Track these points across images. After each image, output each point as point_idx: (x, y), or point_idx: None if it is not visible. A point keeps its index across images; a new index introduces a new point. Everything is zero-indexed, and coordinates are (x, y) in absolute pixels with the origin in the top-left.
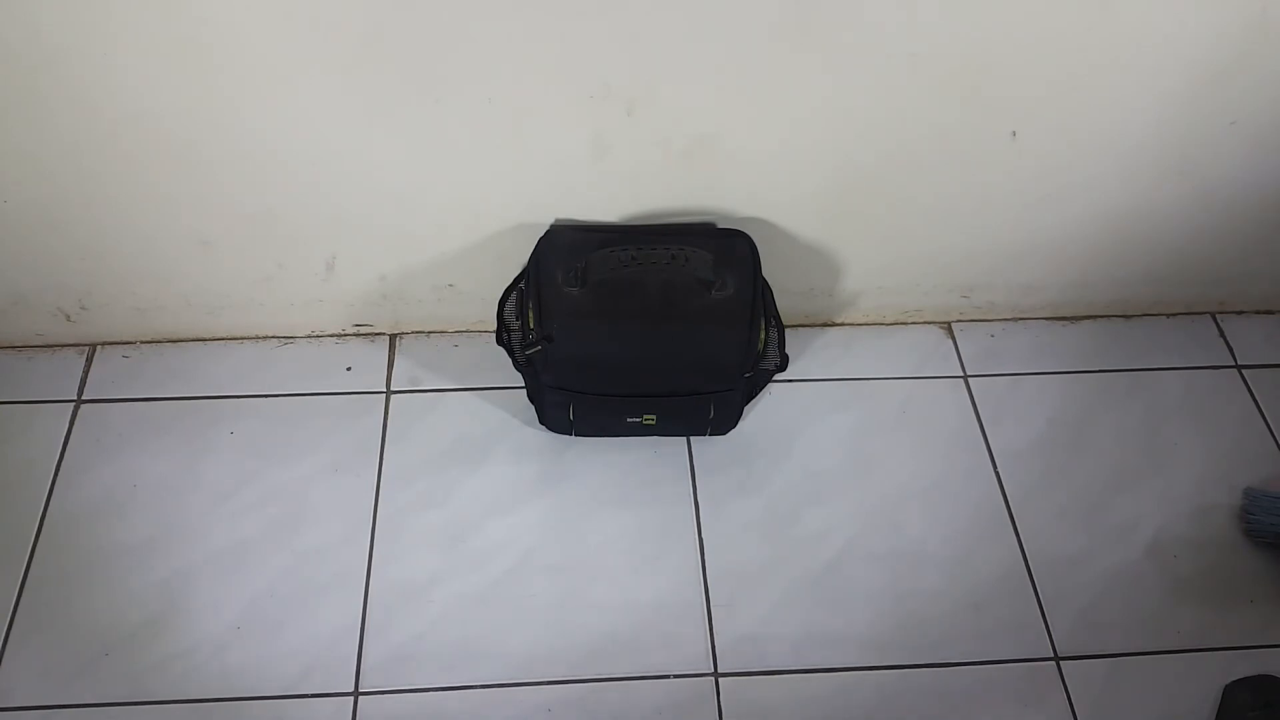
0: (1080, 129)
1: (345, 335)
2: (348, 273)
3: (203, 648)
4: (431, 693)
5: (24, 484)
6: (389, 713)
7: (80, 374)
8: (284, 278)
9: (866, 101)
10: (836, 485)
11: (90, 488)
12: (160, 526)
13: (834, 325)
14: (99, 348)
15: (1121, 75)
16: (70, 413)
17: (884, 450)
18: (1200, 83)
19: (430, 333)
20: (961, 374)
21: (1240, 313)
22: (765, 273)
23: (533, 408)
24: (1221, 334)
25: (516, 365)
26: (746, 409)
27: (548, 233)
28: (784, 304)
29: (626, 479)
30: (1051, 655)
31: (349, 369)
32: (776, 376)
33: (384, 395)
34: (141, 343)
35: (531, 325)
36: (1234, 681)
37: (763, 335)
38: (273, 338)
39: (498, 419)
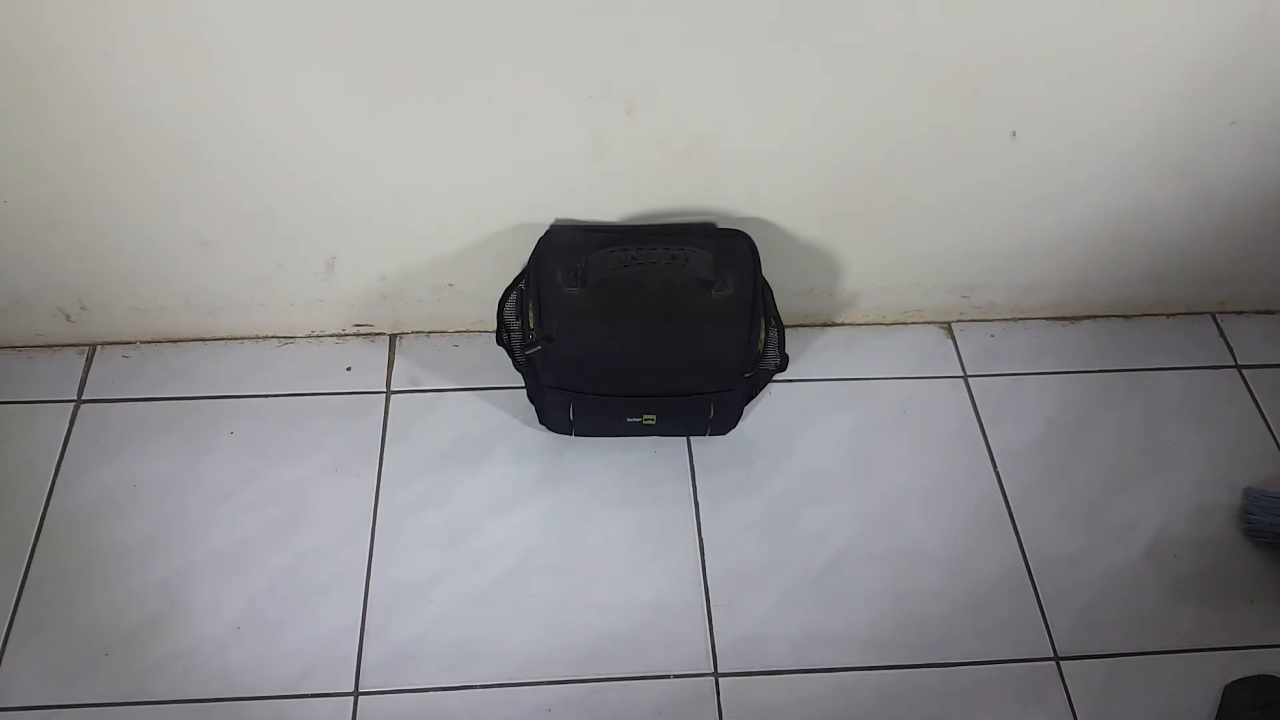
0: (1080, 129)
1: (345, 335)
2: (348, 273)
3: (203, 648)
4: (431, 693)
5: (24, 484)
6: (389, 713)
7: (80, 374)
8: (284, 278)
9: (866, 101)
10: (836, 485)
11: (90, 488)
12: (160, 526)
13: (834, 325)
14: (99, 348)
15: (1121, 75)
16: (70, 413)
17: (884, 450)
18: (1200, 83)
19: (430, 333)
20: (961, 374)
21: (1240, 313)
22: (765, 273)
23: (533, 408)
24: (1221, 334)
25: (516, 365)
26: (746, 409)
27: (548, 233)
28: (784, 304)
29: (626, 479)
30: (1051, 655)
31: (349, 369)
32: (776, 376)
33: (384, 395)
34: (141, 343)
35: (531, 325)
36: (1234, 681)
37: (763, 335)
38: (273, 338)
39: (498, 419)
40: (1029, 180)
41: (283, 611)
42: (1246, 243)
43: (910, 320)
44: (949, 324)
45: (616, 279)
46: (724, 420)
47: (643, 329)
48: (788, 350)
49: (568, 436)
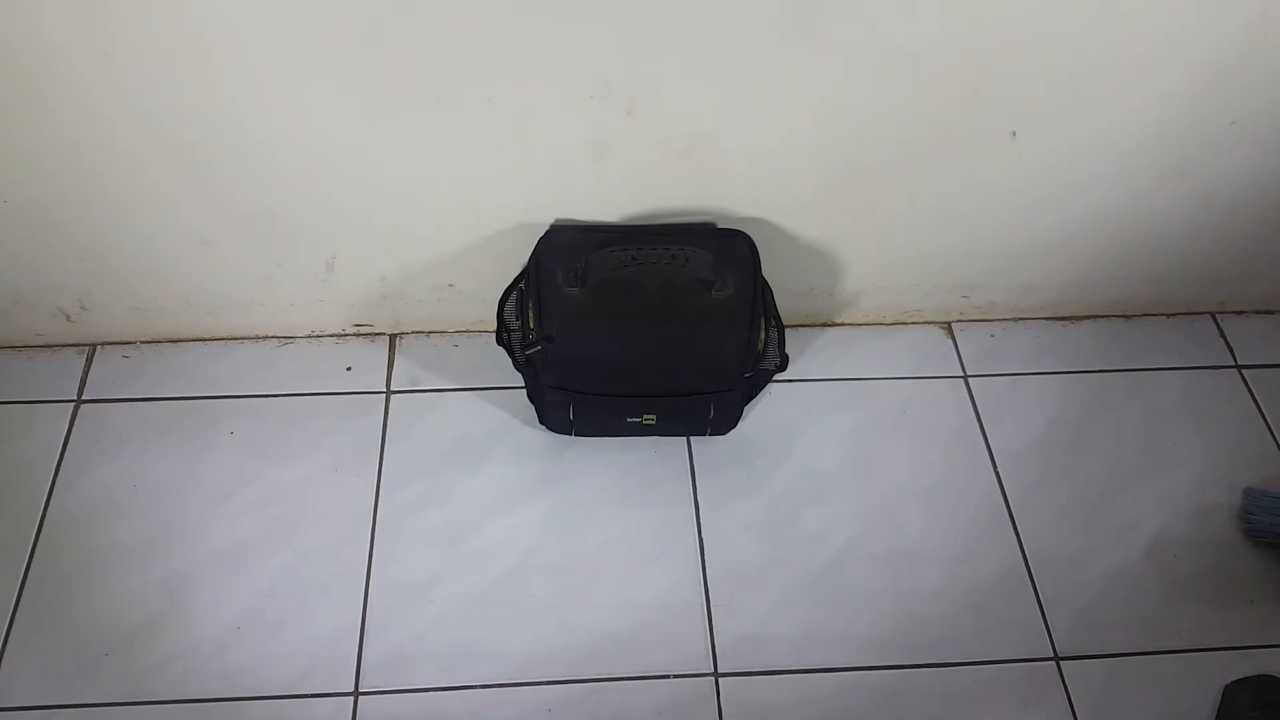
0: (1080, 129)
1: (345, 335)
2: (348, 273)
3: (203, 648)
4: (431, 693)
5: (24, 484)
6: (389, 713)
7: (80, 374)
8: (284, 278)
9: (866, 101)
10: (836, 485)
11: (90, 488)
12: (160, 526)
13: (834, 325)
14: (99, 348)
15: (1121, 75)
16: (70, 413)
17: (884, 450)
18: (1200, 83)
19: (430, 333)
20: (961, 374)
21: (1240, 313)
22: (765, 273)
23: (533, 408)
24: (1221, 334)
25: (516, 365)
26: (746, 409)
27: (548, 233)
28: (784, 304)
29: (626, 479)
30: (1051, 655)
31: (349, 369)
32: (776, 376)
33: (384, 395)
34: (141, 343)
35: (531, 325)
36: (1234, 681)
37: (763, 335)
38: (273, 338)
39: (498, 419)
40: (1029, 180)
41: (283, 611)
42: (1246, 243)
43: (910, 320)
44: (949, 324)
45: (616, 279)
46: (724, 420)
47: (643, 329)
48: (788, 350)
49: (568, 436)
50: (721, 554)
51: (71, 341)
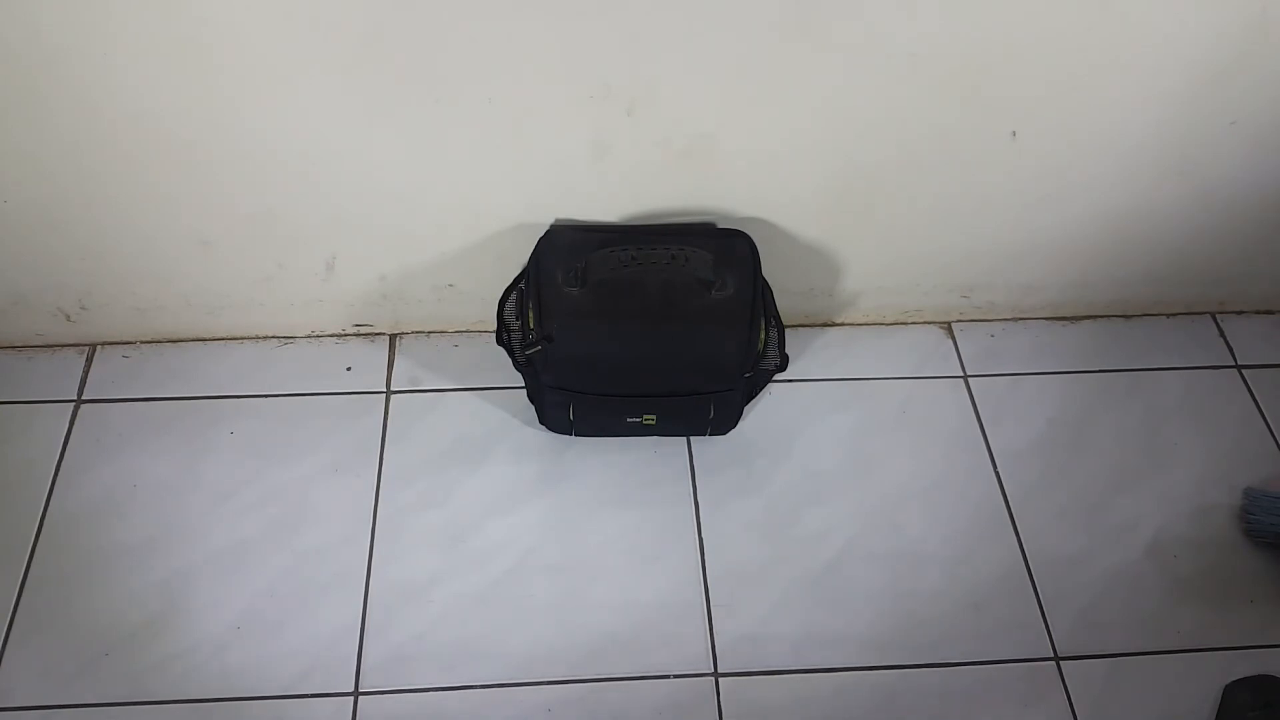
0: (1080, 129)
1: (345, 335)
2: (348, 273)
3: (203, 648)
4: (431, 693)
5: (24, 484)
6: (389, 713)
7: (80, 374)
8: (284, 278)
9: (866, 101)
10: (836, 485)
11: (90, 488)
12: (160, 526)
13: (834, 325)
14: (99, 348)
15: (1121, 75)
16: (70, 413)
17: (884, 450)
18: (1200, 83)
19: (430, 333)
20: (961, 374)
21: (1240, 313)
22: (765, 273)
23: (533, 408)
24: (1221, 334)
25: (516, 365)
26: (746, 409)
27: (548, 233)
28: (784, 304)
29: (626, 479)
30: (1051, 655)
31: (349, 369)
32: (776, 376)
33: (384, 395)
34: (141, 343)
35: (531, 325)
36: (1234, 681)
37: (763, 335)
38: (273, 338)
39: (498, 419)
40: (1029, 180)
41: (283, 611)
42: (1246, 243)
43: (910, 320)
44: (949, 324)
45: (616, 279)
46: (724, 420)
47: (643, 329)
48: (788, 350)
49: (568, 436)
50: (721, 554)
51: (71, 341)
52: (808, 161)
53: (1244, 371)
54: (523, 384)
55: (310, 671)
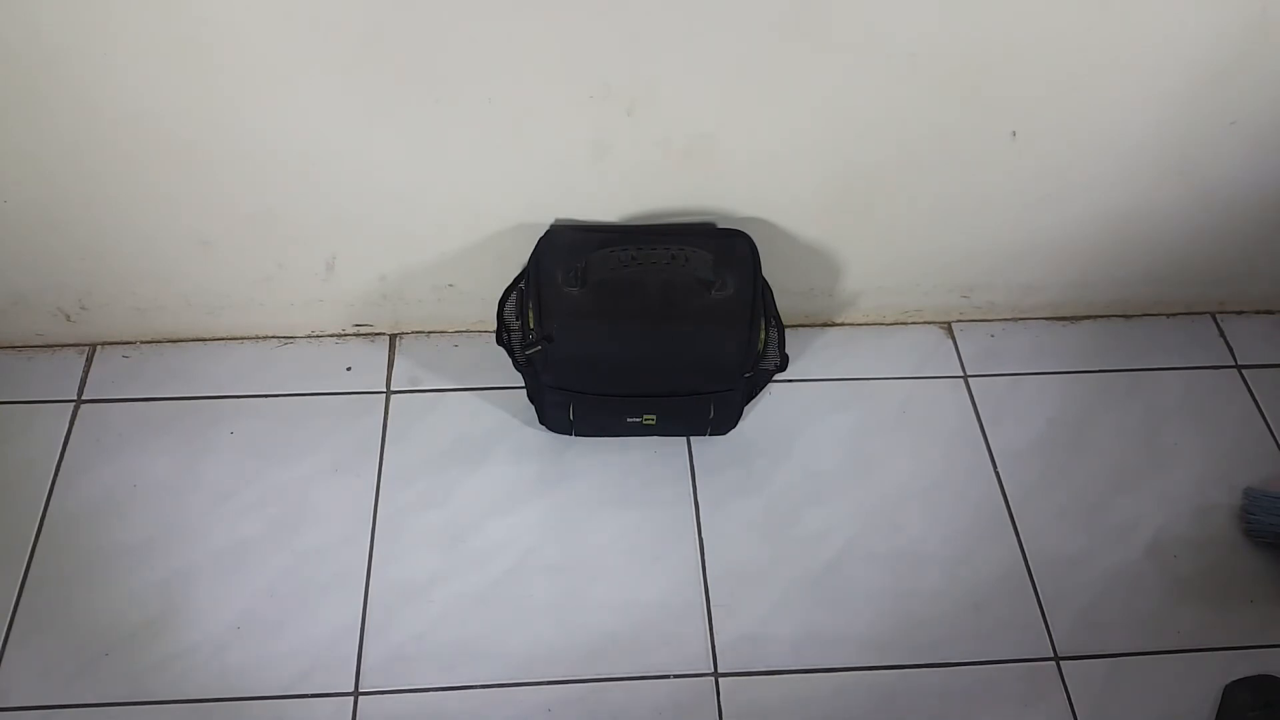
0: (1080, 129)
1: (345, 335)
2: (348, 273)
3: (203, 648)
4: (431, 693)
5: (24, 484)
6: (389, 713)
7: (80, 374)
8: (284, 278)
9: (866, 101)
10: (836, 485)
11: (90, 488)
12: (160, 526)
13: (834, 325)
14: (99, 348)
15: (1121, 75)
16: (70, 413)
17: (884, 450)
18: (1200, 83)
19: (430, 333)
20: (961, 374)
21: (1240, 313)
22: (765, 273)
23: (533, 408)
24: (1221, 334)
25: (516, 365)
26: (746, 409)
27: (548, 233)
28: (784, 304)
29: (626, 479)
30: (1051, 655)
31: (349, 369)
32: (776, 376)
33: (384, 395)
34: (141, 343)
35: (531, 325)
36: (1234, 681)
37: (763, 335)
38: (273, 338)
39: (498, 419)
40: (1029, 180)
41: (283, 611)
42: (1246, 243)
43: (910, 320)
44: (949, 324)
45: (616, 279)
46: (724, 420)
47: (643, 329)
48: (788, 350)
49: (568, 436)
50: (721, 554)
51: (71, 341)
52: (808, 161)
53: (1244, 371)
54: (523, 384)
55: (310, 671)
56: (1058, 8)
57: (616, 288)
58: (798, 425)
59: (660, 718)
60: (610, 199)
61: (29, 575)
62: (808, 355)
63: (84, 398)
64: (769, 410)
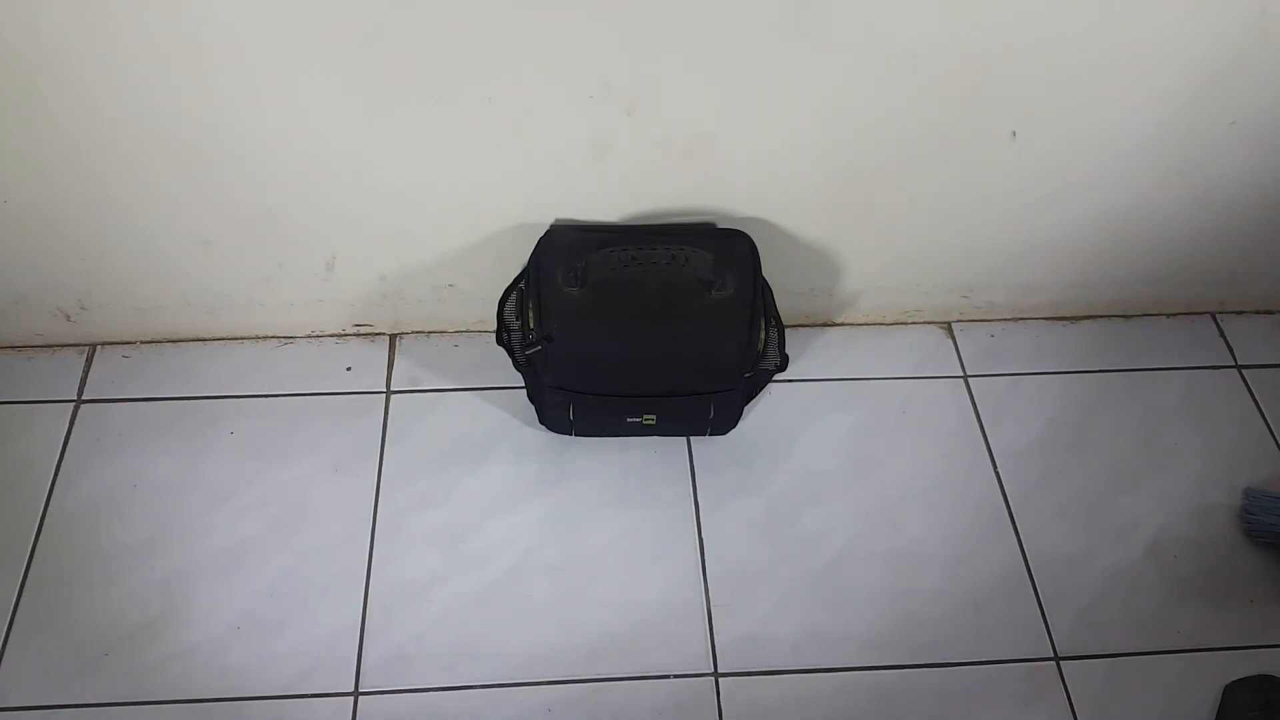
0: (1080, 129)
1: (345, 335)
2: (348, 273)
3: (203, 648)
4: (431, 693)
5: (24, 484)
6: (389, 713)
7: (80, 374)
8: (284, 278)
9: (866, 101)
10: (836, 485)
11: (90, 488)
12: (160, 526)
13: (834, 325)
14: (99, 348)
15: (1121, 75)
16: (70, 413)
17: (884, 450)
18: (1200, 83)
19: (430, 333)
20: (961, 374)
21: (1240, 313)
22: (765, 273)
23: (533, 408)
24: (1221, 334)
25: (516, 365)
26: (746, 409)
27: (548, 233)
28: (784, 304)
29: (626, 479)
30: (1051, 655)
31: (349, 369)
32: (776, 376)
33: (384, 395)
34: (141, 343)
35: (531, 325)
36: (1234, 681)
37: (763, 335)
38: (273, 338)
39: (498, 419)
40: (1029, 180)
41: (283, 611)
42: (1246, 243)
43: (910, 320)
44: (949, 324)
45: (616, 279)
46: (724, 420)
47: (643, 329)
48: (788, 350)
49: (568, 436)
50: (721, 554)
51: (71, 341)
52: (808, 161)
53: (1244, 371)
54: (523, 384)
55: (310, 671)
56: (1058, 8)
57: (616, 288)
58: (798, 425)
59: (660, 718)
60: (610, 199)
61: (29, 575)
62: (808, 355)
63: (84, 398)
64: (769, 410)
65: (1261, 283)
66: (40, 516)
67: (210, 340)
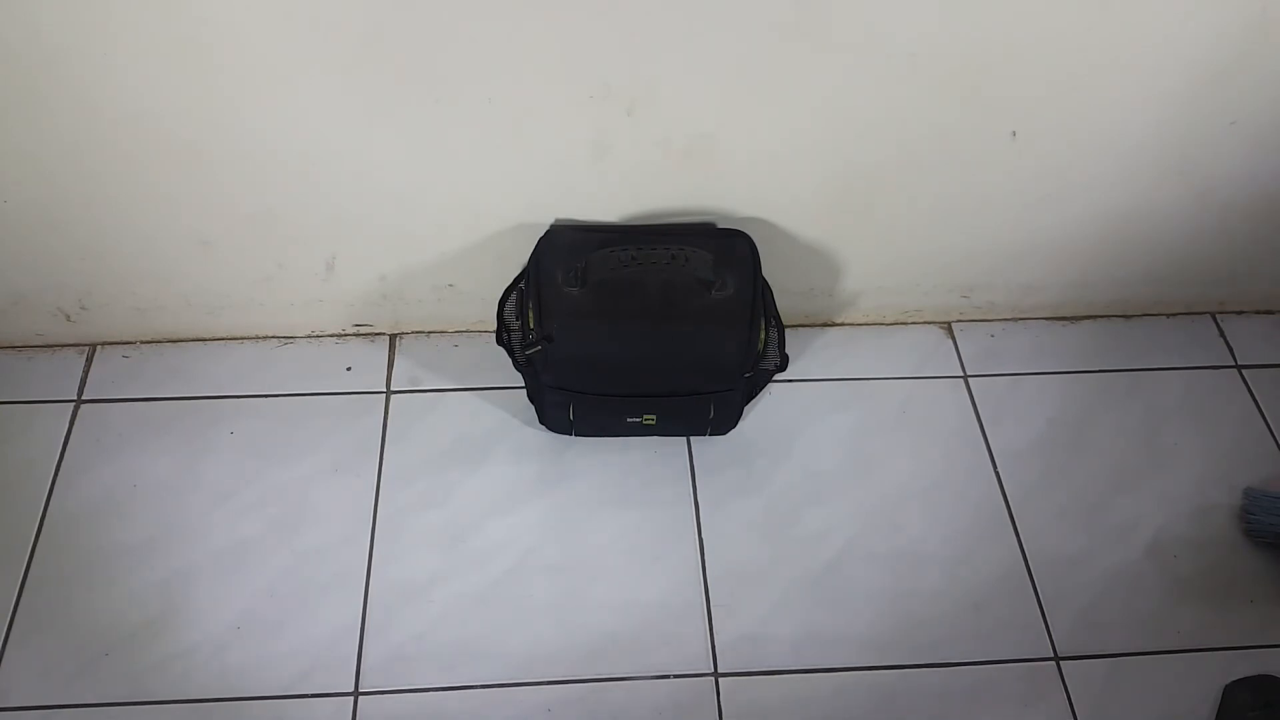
0: (1080, 129)
1: (345, 335)
2: (348, 273)
3: (203, 648)
4: (431, 693)
5: (24, 484)
6: (389, 713)
7: (80, 374)
8: (284, 278)
9: (866, 101)
10: (836, 485)
11: (90, 488)
12: (160, 526)
13: (834, 325)
14: (99, 348)
15: (1121, 75)
16: (70, 413)
17: (884, 450)
18: (1200, 83)
19: (430, 333)
20: (961, 374)
21: (1240, 313)
22: (765, 273)
23: (533, 408)
24: (1221, 334)
25: (516, 365)
26: (746, 409)
27: (548, 233)
28: (784, 304)
29: (626, 479)
30: (1051, 655)
31: (349, 369)
32: (776, 376)
33: (384, 395)
34: (141, 343)
35: (531, 325)
36: (1234, 681)
37: (763, 335)
38: (273, 338)
39: (498, 419)
40: (1029, 180)
41: (283, 611)
42: (1246, 243)
43: (910, 320)
44: (949, 324)
45: (616, 279)
46: (724, 420)
47: (643, 329)
48: (788, 350)
49: (568, 436)
50: (721, 554)
51: (71, 341)
52: (808, 161)
53: (1244, 371)
54: (523, 384)
55: (310, 671)
56: (1058, 8)
57: (616, 288)
58: (798, 425)
59: (660, 718)
60: (610, 199)
61: (29, 575)
62: (808, 355)
63: (84, 398)
64: (769, 410)
65: (1261, 283)
66: (40, 516)
67: (210, 340)
